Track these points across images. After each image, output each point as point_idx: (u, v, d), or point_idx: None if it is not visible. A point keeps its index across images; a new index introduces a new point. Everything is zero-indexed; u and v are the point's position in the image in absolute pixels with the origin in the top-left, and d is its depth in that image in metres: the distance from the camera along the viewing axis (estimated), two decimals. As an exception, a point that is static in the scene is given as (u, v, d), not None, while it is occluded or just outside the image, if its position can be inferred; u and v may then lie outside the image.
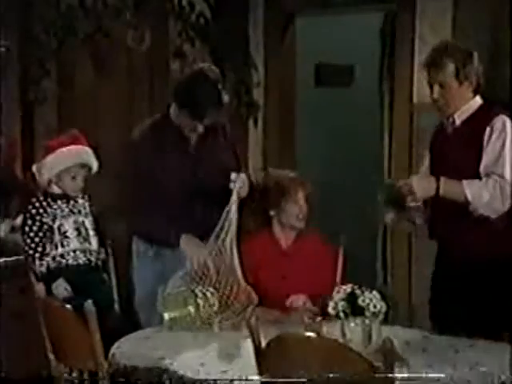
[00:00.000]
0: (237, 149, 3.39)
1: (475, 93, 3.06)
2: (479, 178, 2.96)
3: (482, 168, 2.96)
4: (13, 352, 3.72)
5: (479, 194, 2.91)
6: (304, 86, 5.19)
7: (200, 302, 2.84)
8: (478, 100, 3.07)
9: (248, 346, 2.24)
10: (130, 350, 2.63)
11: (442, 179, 2.94)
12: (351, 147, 5.50)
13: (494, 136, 2.96)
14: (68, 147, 3.32)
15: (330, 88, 5.64)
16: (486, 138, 2.97)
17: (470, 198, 2.91)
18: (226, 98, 3.12)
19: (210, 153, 3.23)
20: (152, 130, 3.24)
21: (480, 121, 3.01)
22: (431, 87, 3.05)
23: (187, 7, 4.36)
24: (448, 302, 3.02)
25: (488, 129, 2.97)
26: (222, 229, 3.00)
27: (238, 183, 3.06)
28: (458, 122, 3.06)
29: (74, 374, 2.64)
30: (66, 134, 3.42)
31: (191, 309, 2.84)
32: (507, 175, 2.92)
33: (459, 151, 3.02)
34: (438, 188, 2.93)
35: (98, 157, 3.41)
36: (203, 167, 3.20)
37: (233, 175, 3.07)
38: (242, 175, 3.12)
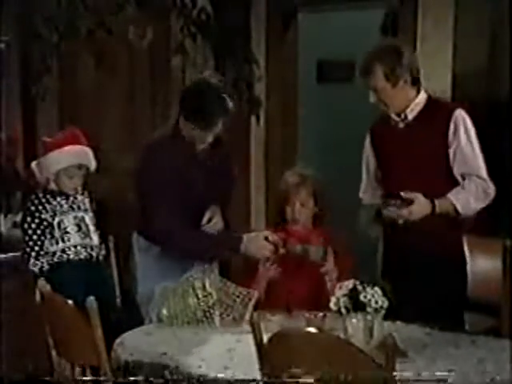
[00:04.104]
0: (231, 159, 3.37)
1: (417, 88, 3.07)
2: (446, 174, 3.01)
3: (456, 168, 3.02)
4: (15, 348, 3.73)
5: (467, 203, 3.00)
6: (306, 82, 5.19)
7: (199, 292, 2.84)
8: (424, 95, 3.10)
9: (249, 341, 2.24)
10: (132, 345, 2.64)
11: (436, 201, 2.97)
12: (353, 143, 5.49)
13: (461, 132, 3.00)
14: (66, 147, 3.30)
15: (332, 84, 5.64)
16: (451, 133, 3.01)
17: (460, 210, 2.99)
18: (231, 104, 3.06)
19: (219, 161, 3.22)
20: (162, 142, 3.16)
21: (436, 116, 3.05)
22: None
23: (189, 3, 4.36)
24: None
25: (452, 124, 3.00)
26: None
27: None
28: (410, 117, 3.08)
29: (77, 370, 2.64)
30: (65, 132, 3.41)
31: (191, 301, 2.84)
32: (485, 174, 3.00)
33: (417, 148, 3.04)
34: (433, 208, 2.97)
35: (96, 155, 3.40)
36: (214, 176, 3.17)
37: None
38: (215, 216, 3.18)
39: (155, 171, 3.08)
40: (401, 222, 3.01)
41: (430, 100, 3.10)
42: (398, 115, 3.10)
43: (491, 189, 3.02)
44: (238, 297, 2.88)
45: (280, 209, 3.25)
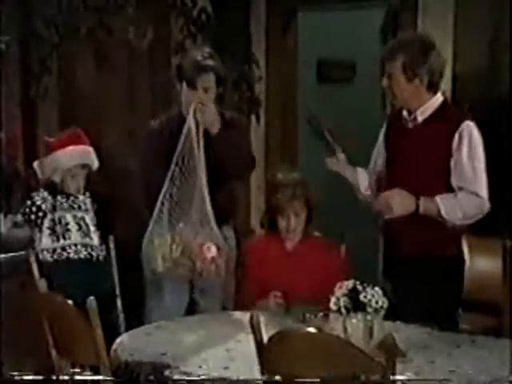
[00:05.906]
0: (250, 140, 3.38)
1: (433, 91, 3.03)
2: (444, 180, 2.97)
3: (454, 179, 2.97)
4: (14, 348, 3.73)
5: (453, 211, 2.94)
6: (306, 82, 5.19)
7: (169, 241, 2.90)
8: (439, 98, 3.05)
9: (249, 341, 2.24)
10: (131, 345, 2.64)
11: (422, 198, 2.94)
12: (353, 143, 5.49)
13: (464, 145, 2.95)
14: (69, 147, 3.32)
15: (331, 83, 5.63)
16: (454, 144, 2.96)
17: (444, 215, 2.95)
18: (210, 62, 3.21)
19: (226, 145, 3.22)
20: (168, 121, 3.27)
21: (445, 123, 3.00)
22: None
23: (189, 3, 4.36)
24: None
25: (457, 135, 2.95)
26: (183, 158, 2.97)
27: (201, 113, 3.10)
28: (419, 119, 3.05)
29: (76, 370, 2.64)
30: (68, 132, 3.41)
31: (168, 238, 2.89)
32: (482, 193, 2.94)
33: (422, 151, 3.01)
34: (417, 206, 2.94)
35: (98, 154, 3.41)
36: (218, 157, 3.17)
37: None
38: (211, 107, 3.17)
39: (153, 142, 3.20)
40: (386, 216, 2.99)
41: (444, 105, 3.05)
42: (409, 114, 3.08)
43: (486, 207, 2.96)
44: None
45: (272, 218, 3.21)
